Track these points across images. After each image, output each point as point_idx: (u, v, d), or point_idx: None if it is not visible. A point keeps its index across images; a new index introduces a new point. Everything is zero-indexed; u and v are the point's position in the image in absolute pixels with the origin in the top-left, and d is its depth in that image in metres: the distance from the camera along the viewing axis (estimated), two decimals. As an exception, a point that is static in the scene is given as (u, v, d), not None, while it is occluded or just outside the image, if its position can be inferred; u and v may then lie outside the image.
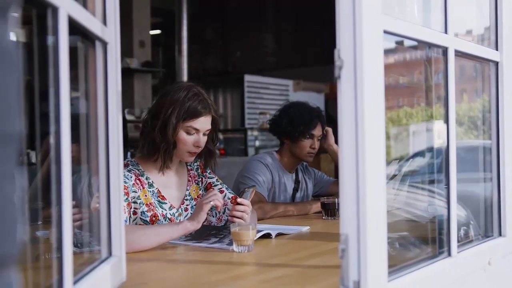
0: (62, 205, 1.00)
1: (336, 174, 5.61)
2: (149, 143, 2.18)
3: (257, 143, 7.45)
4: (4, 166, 0.57)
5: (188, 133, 2.17)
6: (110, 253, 1.36)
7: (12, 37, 0.59)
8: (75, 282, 1.09)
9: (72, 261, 1.02)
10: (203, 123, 2.18)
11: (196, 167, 2.40)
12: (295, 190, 3.11)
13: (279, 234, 2.16)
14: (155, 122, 2.16)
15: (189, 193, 2.33)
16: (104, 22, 1.33)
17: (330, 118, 3.97)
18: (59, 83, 0.99)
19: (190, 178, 2.36)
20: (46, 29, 1.00)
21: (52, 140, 1.01)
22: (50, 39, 1.00)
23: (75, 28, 1.09)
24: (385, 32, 1.23)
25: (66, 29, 1.01)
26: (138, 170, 2.19)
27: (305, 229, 2.32)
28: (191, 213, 2.28)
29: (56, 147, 1.00)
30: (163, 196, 2.22)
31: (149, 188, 2.19)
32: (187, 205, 2.31)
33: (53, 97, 1.00)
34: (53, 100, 1.00)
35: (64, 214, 1.00)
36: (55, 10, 0.98)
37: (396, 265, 1.31)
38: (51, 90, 1.00)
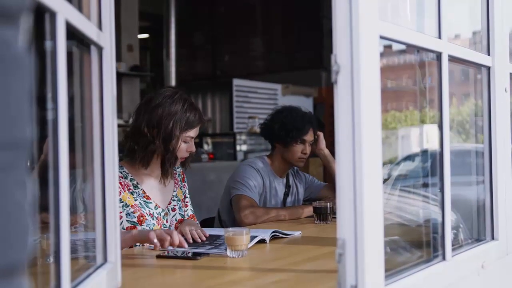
0: (59, 211, 0.99)
1: (325, 178, 5.62)
2: (149, 154, 2.22)
3: (246, 147, 7.44)
4: (15, 173, 0.56)
5: (185, 142, 2.27)
6: (105, 259, 1.35)
7: (23, 43, 0.59)
8: (72, 289, 1.08)
9: (69, 267, 1.01)
10: (197, 130, 2.31)
11: (178, 173, 2.48)
12: (286, 194, 3.10)
13: (274, 237, 2.16)
14: (153, 132, 2.20)
15: (176, 194, 2.40)
16: (100, 27, 1.33)
17: (318, 122, 3.97)
18: (57, 88, 0.99)
19: (176, 181, 2.43)
20: (43, 34, 0.99)
21: (48, 145, 1.00)
22: (47, 44, 1.00)
23: (70, 32, 1.09)
24: (381, 37, 1.24)
25: (64, 34, 1.00)
26: (121, 173, 2.22)
27: (298, 233, 2.33)
28: (179, 213, 2.37)
29: (54, 152, 0.99)
30: (148, 196, 2.27)
31: (134, 189, 2.24)
32: (174, 205, 2.38)
33: (51, 102, 0.99)
34: (51, 105, 0.99)
35: (62, 220, 1.00)
36: (53, 15, 0.97)
37: (392, 269, 1.32)
38: (48, 94, 1.00)
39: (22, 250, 0.57)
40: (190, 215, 2.42)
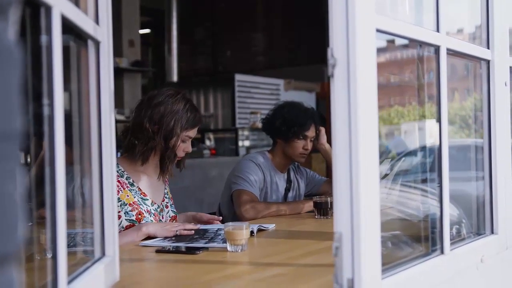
0: (56, 205, 1.00)
1: (327, 174, 5.61)
2: (149, 150, 2.25)
3: (248, 143, 7.44)
4: (6, 164, 0.57)
5: (183, 141, 2.30)
6: (103, 253, 1.36)
7: (12, 36, 0.59)
8: (69, 282, 1.09)
9: (66, 261, 1.02)
10: (196, 131, 2.35)
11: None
12: (287, 189, 3.11)
13: (260, 230, 2.21)
14: (154, 129, 2.22)
15: (167, 192, 2.45)
16: (97, 21, 1.33)
17: (321, 117, 3.96)
18: (53, 83, 0.99)
19: (166, 180, 2.46)
20: (39, 28, 1.00)
21: (45, 140, 1.00)
22: (43, 38, 1.00)
23: (67, 27, 1.09)
24: (378, 30, 1.23)
25: (60, 28, 1.00)
26: (117, 171, 2.23)
27: (271, 226, 2.35)
28: (171, 210, 2.42)
29: (50, 148, 0.99)
30: (144, 193, 2.30)
31: (131, 187, 2.27)
32: (166, 202, 2.42)
33: (47, 98, 0.99)
34: (47, 101, 0.99)
35: (58, 215, 1.00)
36: (48, 9, 0.97)
37: (390, 262, 1.32)
38: (44, 90, 1.00)
39: (12, 241, 0.57)
40: (172, 216, 2.44)
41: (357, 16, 1.14)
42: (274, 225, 2.38)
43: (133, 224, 2.19)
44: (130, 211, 2.20)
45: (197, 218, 2.44)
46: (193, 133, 2.32)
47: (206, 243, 1.95)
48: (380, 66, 1.29)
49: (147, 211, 2.25)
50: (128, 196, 2.23)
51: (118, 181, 2.21)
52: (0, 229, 0.55)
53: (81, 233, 1.47)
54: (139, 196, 2.26)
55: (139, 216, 2.21)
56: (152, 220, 2.25)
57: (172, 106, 2.25)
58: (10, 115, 0.57)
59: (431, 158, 1.78)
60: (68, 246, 1.10)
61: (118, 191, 2.19)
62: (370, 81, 1.19)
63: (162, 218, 2.34)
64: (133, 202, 2.22)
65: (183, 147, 2.30)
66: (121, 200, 2.19)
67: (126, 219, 2.19)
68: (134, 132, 2.26)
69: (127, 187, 2.24)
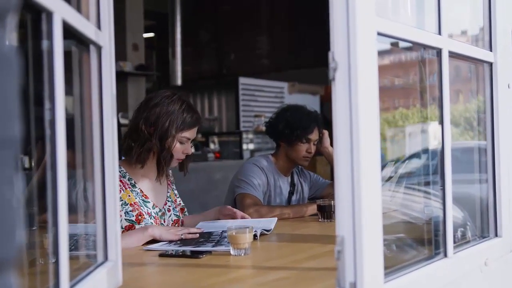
0: (58, 210, 1.00)
1: (332, 177, 5.60)
2: (145, 151, 2.25)
3: (253, 146, 7.44)
4: (3, 170, 0.57)
5: (181, 142, 2.29)
6: (106, 258, 1.36)
7: (11, 42, 0.59)
8: (72, 287, 1.09)
9: (68, 266, 1.02)
10: (195, 132, 2.33)
11: (170, 175, 2.53)
12: (291, 193, 3.10)
13: (262, 234, 2.20)
14: (150, 130, 2.23)
15: (169, 195, 2.44)
16: (98, 26, 1.33)
17: (325, 120, 3.94)
18: (54, 88, 0.99)
19: (169, 183, 2.47)
20: (40, 33, 1.00)
21: (47, 145, 1.01)
22: (44, 44, 1.00)
23: (69, 32, 1.09)
24: (379, 34, 1.23)
25: (61, 34, 1.01)
26: (120, 172, 2.24)
27: (274, 221, 2.37)
28: (173, 213, 2.41)
29: (52, 152, 0.99)
30: (146, 195, 2.30)
31: (133, 188, 2.27)
32: (169, 206, 2.42)
33: (48, 102, 1.00)
34: (48, 105, 1.00)
35: (60, 219, 1.00)
36: (49, 14, 0.98)
37: (392, 266, 1.31)
38: (46, 94, 1.00)
39: (9, 247, 0.57)
40: (181, 208, 2.48)
41: (357, 19, 1.14)
42: (276, 218, 2.39)
43: (132, 225, 2.19)
44: (130, 211, 2.20)
45: (225, 212, 2.46)
46: (190, 134, 2.30)
47: (212, 246, 1.95)
48: (385, 69, 1.29)
49: (148, 213, 2.25)
50: (129, 196, 2.23)
51: (120, 180, 2.22)
52: (-2, 235, 0.56)
53: (84, 236, 1.47)
54: (141, 198, 2.27)
55: (139, 217, 2.21)
56: (152, 223, 2.25)
57: (168, 107, 2.25)
58: (8, 121, 0.57)
59: (435, 160, 1.78)
60: (70, 249, 1.10)
61: (120, 190, 2.19)
62: (371, 84, 1.19)
63: (164, 221, 2.34)
64: (134, 203, 2.23)
65: (182, 149, 2.29)
66: (122, 200, 2.20)
67: (126, 219, 2.19)
68: (131, 135, 2.27)
69: (129, 187, 2.25)
